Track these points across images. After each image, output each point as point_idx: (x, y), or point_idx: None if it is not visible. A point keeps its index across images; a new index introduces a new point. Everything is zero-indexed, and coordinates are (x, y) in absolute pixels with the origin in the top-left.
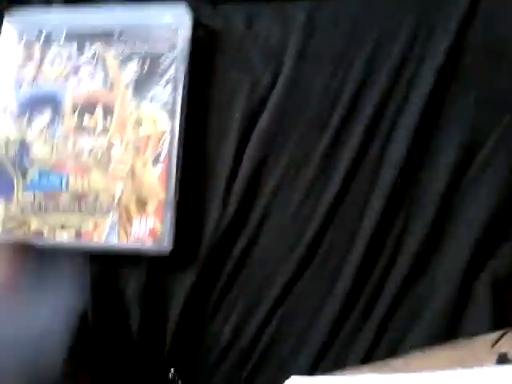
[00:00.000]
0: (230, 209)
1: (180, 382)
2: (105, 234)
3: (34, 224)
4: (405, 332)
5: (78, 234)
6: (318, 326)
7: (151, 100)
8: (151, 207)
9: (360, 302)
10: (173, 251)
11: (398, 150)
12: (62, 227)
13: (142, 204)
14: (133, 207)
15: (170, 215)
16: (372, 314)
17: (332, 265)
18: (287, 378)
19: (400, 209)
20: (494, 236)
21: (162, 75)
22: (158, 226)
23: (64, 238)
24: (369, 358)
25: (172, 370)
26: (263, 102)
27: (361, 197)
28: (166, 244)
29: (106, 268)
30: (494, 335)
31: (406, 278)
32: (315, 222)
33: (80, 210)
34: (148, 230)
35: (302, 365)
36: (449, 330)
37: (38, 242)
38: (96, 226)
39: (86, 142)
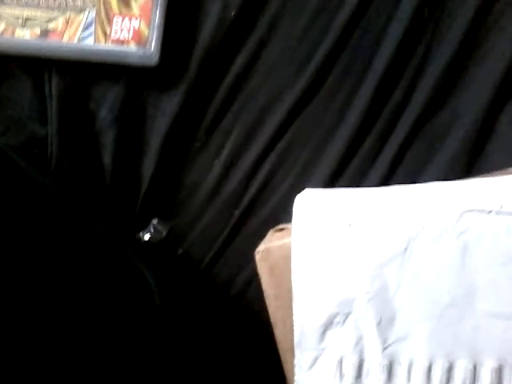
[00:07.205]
0: (230, 12)
1: (163, 227)
2: (78, 34)
3: None
4: (423, 164)
5: (44, 33)
6: (324, 159)
7: None
8: (136, 5)
9: (373, 132)
10: (159, 62)
11: None
12: (24, 24)
13: (126, 0)
14: (114, 3)
15: (158, 16)
16: (386, 146)
17: (345, 90)
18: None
19: (423, 34)
20: None
21: None
22: (144, 28)
23: (26, 36)
24: None
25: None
26: None
27: (381, 19)
28: (152, 50)
29: (75, 83)
30: None
31: (426, 107)
32: (328, 41)
33: (48, 5)
34: (131, 31)
35: None
36: (469, 165)
37: None
38: (67, 23)
39: None
